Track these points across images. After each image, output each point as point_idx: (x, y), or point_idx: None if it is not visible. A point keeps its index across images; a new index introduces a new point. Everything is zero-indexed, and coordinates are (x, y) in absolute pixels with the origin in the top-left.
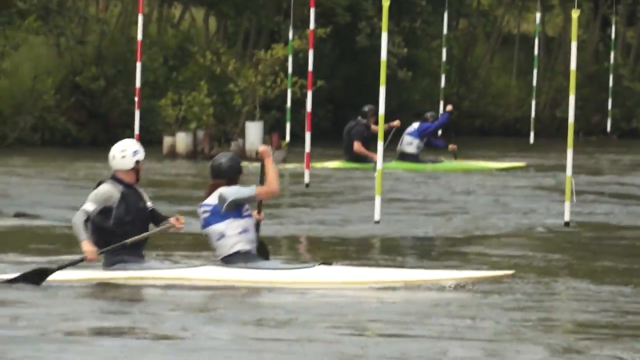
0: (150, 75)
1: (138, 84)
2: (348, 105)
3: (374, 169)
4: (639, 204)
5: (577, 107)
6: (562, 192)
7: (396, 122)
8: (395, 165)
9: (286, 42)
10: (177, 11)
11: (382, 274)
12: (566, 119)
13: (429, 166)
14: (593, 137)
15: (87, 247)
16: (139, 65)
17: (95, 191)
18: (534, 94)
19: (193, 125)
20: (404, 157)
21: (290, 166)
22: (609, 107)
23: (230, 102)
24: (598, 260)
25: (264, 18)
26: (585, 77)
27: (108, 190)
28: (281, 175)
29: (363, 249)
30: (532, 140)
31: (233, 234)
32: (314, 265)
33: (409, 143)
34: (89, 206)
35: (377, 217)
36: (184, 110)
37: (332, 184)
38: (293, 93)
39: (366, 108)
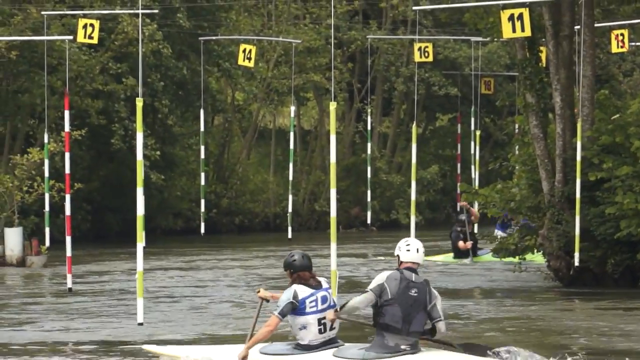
0: None
1: None
2: (106, 206)
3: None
4: None
5: (336, 200)
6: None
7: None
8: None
9: (42, 146)
10: None
11: None
12: (325, 212)
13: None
14: (353, 230)
15: None
16: None
17: None
18: (290, 188)
19: None
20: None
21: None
22: (368, 199)
23: None
24: None
25: (19, 122)
26: (343, 169)
27: None
28: (41, 277)
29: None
30: (290, 234)
31: None
32: None
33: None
34: None
35: (140, 319)
36: None
37: (95, 287)
38: (51, 197)
39: (461, 217)
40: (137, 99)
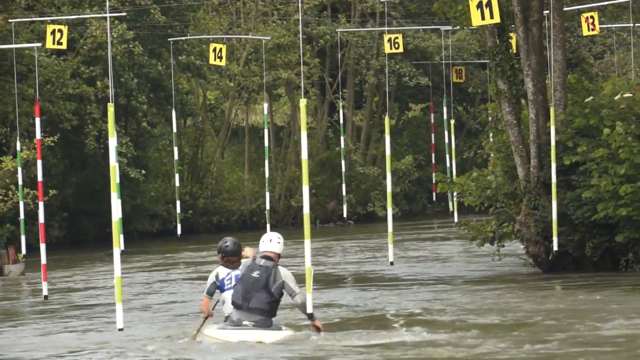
0: None
1: None
2: (81, 212)
3: None
4: (376, 288)
5: (312, 195)
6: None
7: None
8: None
9: (15, 154)
10: None
11: None
12: (302, 208)
13: None
14: (330, 224)
15: None
16: None
17: None
18: (267, 185)
19: None
20: None
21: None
22: (344, 193)
23: None
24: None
25: None
26: (317, 164)
27: None
28: (18, 285)
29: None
30: (268, 231)
31: None
32: None
33: None
34: None
35: (119, 324)
36: None
37: (70, 296)
38: (26, 205)
39: None
40: (108, 104)
